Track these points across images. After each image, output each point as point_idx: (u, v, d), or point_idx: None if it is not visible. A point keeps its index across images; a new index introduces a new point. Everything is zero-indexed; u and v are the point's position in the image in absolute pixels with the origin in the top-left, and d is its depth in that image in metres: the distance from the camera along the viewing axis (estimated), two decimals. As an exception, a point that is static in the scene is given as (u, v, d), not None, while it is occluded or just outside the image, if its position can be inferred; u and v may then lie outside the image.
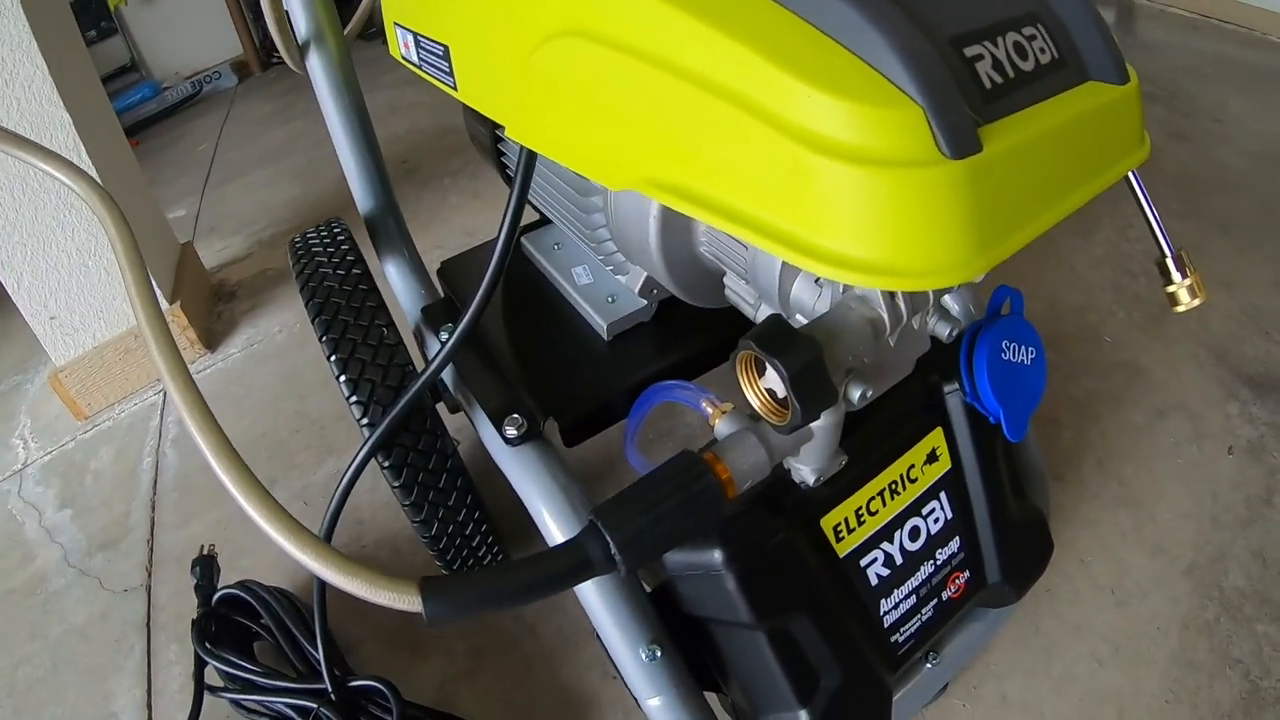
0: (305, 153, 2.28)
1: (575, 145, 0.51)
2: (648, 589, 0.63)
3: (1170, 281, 0.60)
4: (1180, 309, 0.58)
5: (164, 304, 1.43)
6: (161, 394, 1.42)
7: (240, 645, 0.89)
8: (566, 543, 0.47)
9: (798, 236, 0.38)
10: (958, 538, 0.67)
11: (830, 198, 0.37)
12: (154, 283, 1.39)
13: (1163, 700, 0.82)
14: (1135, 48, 2.41)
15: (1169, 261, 0.61)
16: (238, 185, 2.17)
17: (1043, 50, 0.45)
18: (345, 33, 0.84)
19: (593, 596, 0.61)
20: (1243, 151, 1.79)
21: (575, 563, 0.45)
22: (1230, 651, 0.86)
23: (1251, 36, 2.44)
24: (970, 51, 0.41)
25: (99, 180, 1.14)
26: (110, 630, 1.02)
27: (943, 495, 0.67)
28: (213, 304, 1.63)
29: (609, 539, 0.45)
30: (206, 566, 0.95)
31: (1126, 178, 0.53)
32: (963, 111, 0.38)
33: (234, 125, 2.63)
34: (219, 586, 0.93)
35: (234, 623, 0.91)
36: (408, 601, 0.45)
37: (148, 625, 1.02)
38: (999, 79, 0.42)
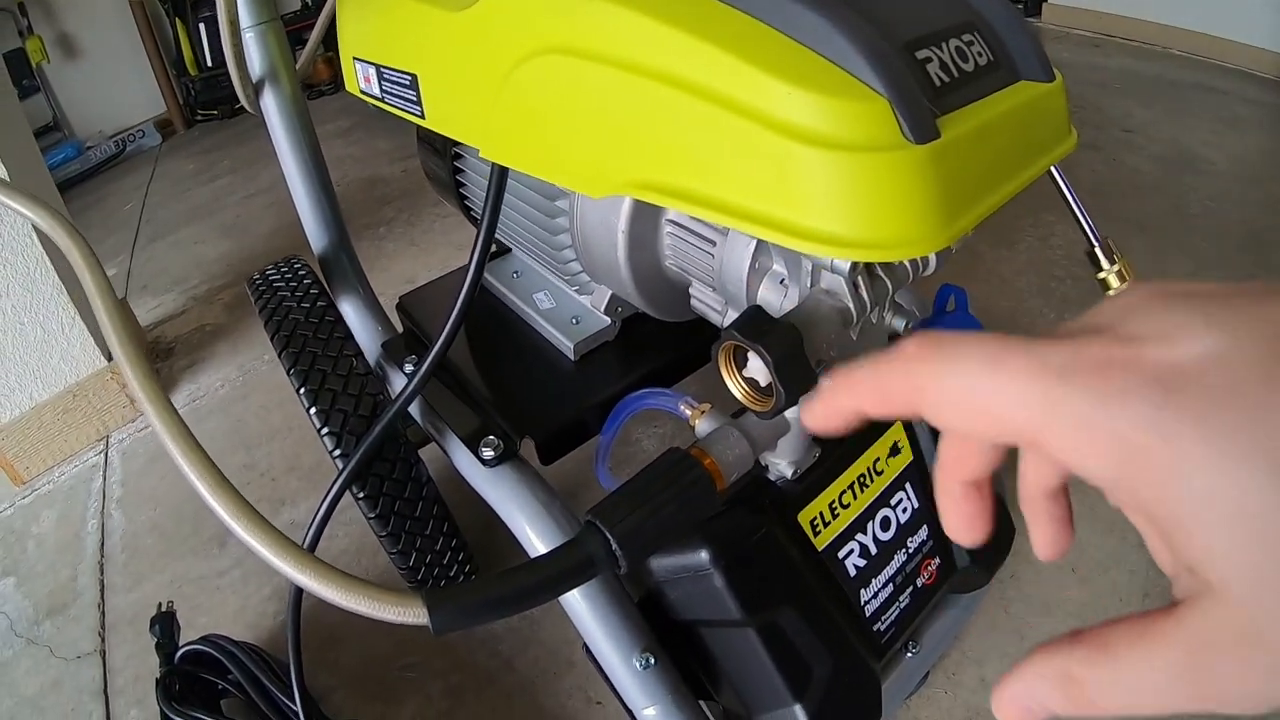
0: (233, 209, 2.25)
1: (555, 159, 0.53)
2: (634, 599, 0.64)
3: (1100, 268, 0.64)
4: (1112, 294, 0.61)
5: (102, 363, 1.38)
6: (103, 454, 1.36)
7: (207, 703, 0.86)
8: (566, 544, 0.47)
9: (783, 219, 0.42)
10: (926, 525, 0.70)
11: (811, 181, 0.40)
12: (92, 340, 1.36)
13: (1133, 665, 0.85)
14: (1042, 68, 2.56)
15: (1097, 250, 0.66)
16: (167, 243, 2.13)
17: (980, 54, 0.49)
18: (297, 67, 0.84)
19: (582, 609, 0.61)
20: (1151, 157, 1.91)
21: (577, 562, 0.46)
22: (1191, 615, 0.90)
23: (1152, 51, 2.61)
24: (921, 54, 0.46)
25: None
26: (65, 699, 0.98)
27: (908, 486, 0.69)
28: (151, 361, 1.59)
29: (609, 535, 0.45)
30: (166, 624, 0.91)
31: (1052, 176, 0.57)
32: (923, 103, 0.42)
33: (160, 183, 2.57)
34: (181, 644, 0.90)
35: (199, 680, 0.87)
36: (413, 614, 0.44)
37: (105, 691, 0.98)
38: (946, 78, 0.46)
